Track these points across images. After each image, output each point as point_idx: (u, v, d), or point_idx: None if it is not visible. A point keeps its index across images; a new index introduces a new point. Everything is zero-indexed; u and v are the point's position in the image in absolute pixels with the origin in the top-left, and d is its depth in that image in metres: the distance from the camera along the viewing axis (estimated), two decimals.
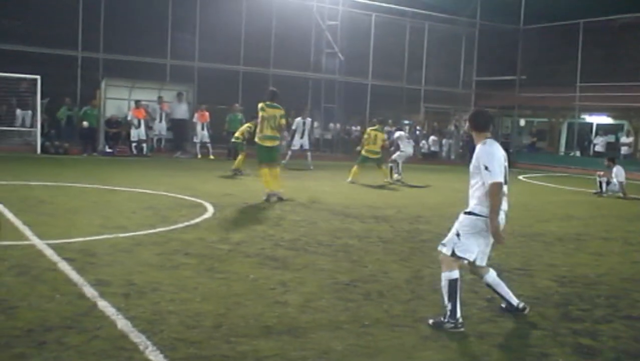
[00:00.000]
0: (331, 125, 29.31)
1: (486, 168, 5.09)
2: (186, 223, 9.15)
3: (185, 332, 4.64)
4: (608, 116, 30.62)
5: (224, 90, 25.45)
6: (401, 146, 18.52)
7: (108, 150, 22.01)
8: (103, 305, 5.14)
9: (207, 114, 23.15)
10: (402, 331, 4.96)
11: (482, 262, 5.30)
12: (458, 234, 5.18)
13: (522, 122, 34.08)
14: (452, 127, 30.02)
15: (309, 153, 21.64)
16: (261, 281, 6.20)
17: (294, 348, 4.46)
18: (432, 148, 30.00)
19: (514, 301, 5.48)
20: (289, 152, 21.32)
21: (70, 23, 22.73)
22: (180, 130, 23.95)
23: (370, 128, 17.91)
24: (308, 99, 28.13)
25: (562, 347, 4.78)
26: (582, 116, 30.58)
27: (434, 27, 30.16)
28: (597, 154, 29.07)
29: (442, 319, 5.08)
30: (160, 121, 23.43)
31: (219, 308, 5.25)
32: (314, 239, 8.48)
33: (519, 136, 33.20)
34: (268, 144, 12.17)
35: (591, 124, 31.76)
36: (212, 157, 22.69)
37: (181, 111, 23.76)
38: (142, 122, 22.44)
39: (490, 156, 5.14)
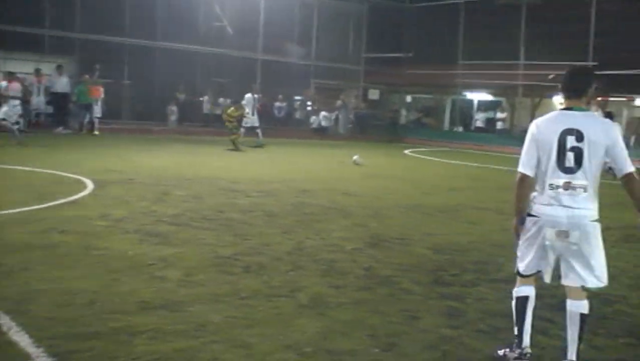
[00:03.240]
0: (221, 100, 28.94)
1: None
2: (64, 200, 8.82)
3: (55, 311, 4.50)
4: (488, 93, 32.00)
5: (109, 63, 24.52)
6: None
7: None
8: None
9: (101, 89, 22.44)
10: (279, 301, 5.03)
11: (539, 269, 4.07)
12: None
13: (409, 98, 35.02)
14: (341, 102, 30.43)
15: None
16: (140, 257, 6.09)
17: (170, 322, 4.43)
18: (323, 123, 30.29)
19: (568, 355, 4.00)
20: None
21: None
22: (61, 104, 22.90)
23: None
24: (197, 73, 27.63)
25: (431, 310, 5.02)
26: (464, 93, 31.78)
27: (324, 2, 30.30)
28: (478, 130, 30.53)
29: (507, 350, 4.17)
30: (38, 94, 22.29)
31: (93, 286, 5.12)
32: (198, 214, 8.40)
33: (407, 112, 34.11)
34: None
35: (472, 100, 33.13)
36: (96, 132, 21.90)
37: (61, 84, 22.67)
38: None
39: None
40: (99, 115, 22.38)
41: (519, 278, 4.16)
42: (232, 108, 19.70)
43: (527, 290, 4.11)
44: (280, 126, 28.43)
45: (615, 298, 5.59)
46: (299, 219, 8.48)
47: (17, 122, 17.75)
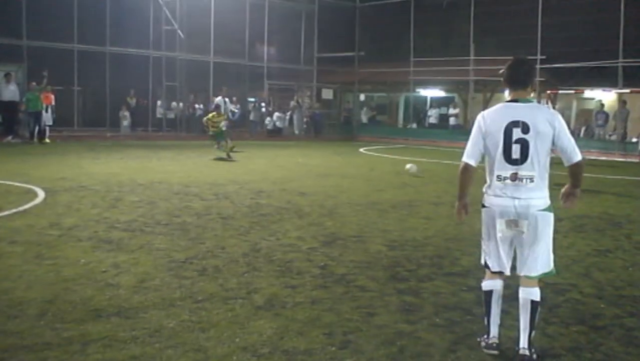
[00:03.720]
0: (174, 104, 28.67)
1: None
2: (14, 210, 8.61)
3: (5, 323, 4.39)
4: (440, 89, 32.39)
5: (58, 70, 24.02)
6: None
7: None
8: None
9: (52, 96, 22.04)
10: (236, 303, 5.00)
11: (501, 268, 4.15)
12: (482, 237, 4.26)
13: (362, 97, 35.21)
14: (295, 103, 30.47)
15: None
16: (93, 264, 5.99)
17: (123, 329, 4.37)
18: (278, 124, 30.29)
19: (520, 343, 4.05)
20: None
21: None
22: (10, 113, 22.36)
23: None
24: (149, 78, 27.29)
25: (387, 306, 5.05)
26: (417, 90, 32.10)
27: (274, 3, 30.26)
28: (432, 126, 30.92)
29: (484, 337, 4.27)
30: None
31: (45, 295, 5.01)
32: (152, 219, 8.30)
33: (362, 111, 34.25)
34: None
35: (426, 97, 33.50)
36: (47, 140, 21.46)
37: (10, 92, 22.14)
38: None
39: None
40: (50, 123, 21.99)
41: (486, 271, 4.25)
42: (213, 113, 19.07)
43: (492, 283, 4.20)
44: (234, 128, 28.27)
45: (568, 286, 5.72)
46: (255, 221, 8.44)
47: None
